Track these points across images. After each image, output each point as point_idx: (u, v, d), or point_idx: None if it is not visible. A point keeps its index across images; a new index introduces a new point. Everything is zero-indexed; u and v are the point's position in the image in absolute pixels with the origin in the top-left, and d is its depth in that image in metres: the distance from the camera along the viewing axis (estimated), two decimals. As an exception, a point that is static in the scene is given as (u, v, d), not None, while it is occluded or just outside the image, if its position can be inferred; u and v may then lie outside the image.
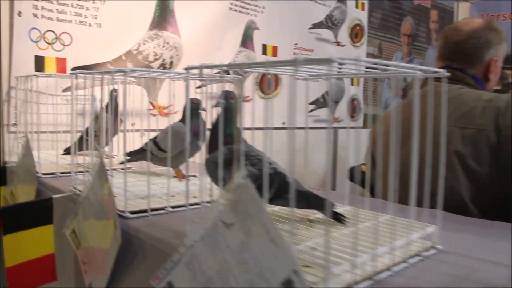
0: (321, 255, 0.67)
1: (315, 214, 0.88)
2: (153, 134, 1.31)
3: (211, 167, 0.77)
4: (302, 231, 0.79)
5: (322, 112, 2.99)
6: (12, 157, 1.69)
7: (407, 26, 3.86)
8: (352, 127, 3.31)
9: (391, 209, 0.76)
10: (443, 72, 0.75)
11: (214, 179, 0.78)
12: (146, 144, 1.25)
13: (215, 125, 0.81)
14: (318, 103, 2.94)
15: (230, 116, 0.79)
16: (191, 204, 1.01)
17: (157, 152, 1.19)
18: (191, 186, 1.10)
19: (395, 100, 3.77)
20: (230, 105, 0.80)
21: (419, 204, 0.73)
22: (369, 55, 3.42)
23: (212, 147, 0.78)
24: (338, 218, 0.82)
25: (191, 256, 0.70)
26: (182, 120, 1.21)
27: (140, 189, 1.10)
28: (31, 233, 1.13)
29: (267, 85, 2.55)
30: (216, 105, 0.79)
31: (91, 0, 1.89)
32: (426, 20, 4.10)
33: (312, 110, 2.89)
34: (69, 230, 1.09)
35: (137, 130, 1.33)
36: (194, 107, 1.15)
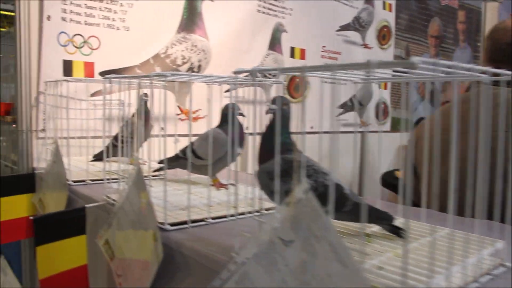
0: (389, 275, 0.61)
1: (371, 228, 0.82)
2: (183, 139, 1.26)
3: (264, 179, 0.72)
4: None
5: (350, 116, 2.92)
6: (41, 163, 1.66)
7: (434, 27, 3.77)
8: (381, 131, 3.24)
9: (449, 221, 0.70)
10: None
11: (267, 191, 0.72)
12: (182, 151, 1.20)
13: (267, 133, 0.75)
14: (346, 107, 2.87)
15: (284, 123, 0.74)
16: (233, 215, 0.97)
17: (194, 159, 1.14)
18: (231, 195, 1.05)
19: (422, 103, 3.69)
20: (283, 112, 0.74)
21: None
22: (396, 57, 3.34)
23: (264, 157, 0.73)
24: (397, 232, 0.76)
25: (242, 274, 0.65)
26: (220, 125, 1.16)
27: (178, 199, 1.06)
28: (64, 244, 1.09)
29: (295, 88, 2.50)
30: (268, 112, 0.74)
31: (119, 3, 1.85)
32: (453, 21, 4.00)
33: (340, 114, 2.83)
34: (103, 241, 1.04)
35: (169, 136, 1.28)
36: (231, 112, 1.10)
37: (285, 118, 0.75)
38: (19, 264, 1.76)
